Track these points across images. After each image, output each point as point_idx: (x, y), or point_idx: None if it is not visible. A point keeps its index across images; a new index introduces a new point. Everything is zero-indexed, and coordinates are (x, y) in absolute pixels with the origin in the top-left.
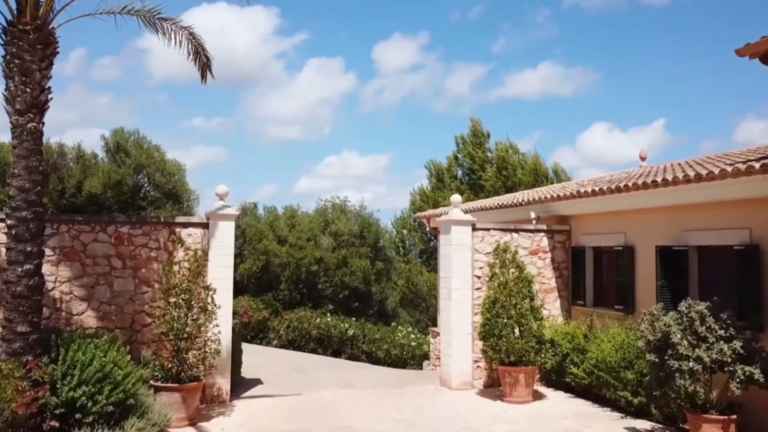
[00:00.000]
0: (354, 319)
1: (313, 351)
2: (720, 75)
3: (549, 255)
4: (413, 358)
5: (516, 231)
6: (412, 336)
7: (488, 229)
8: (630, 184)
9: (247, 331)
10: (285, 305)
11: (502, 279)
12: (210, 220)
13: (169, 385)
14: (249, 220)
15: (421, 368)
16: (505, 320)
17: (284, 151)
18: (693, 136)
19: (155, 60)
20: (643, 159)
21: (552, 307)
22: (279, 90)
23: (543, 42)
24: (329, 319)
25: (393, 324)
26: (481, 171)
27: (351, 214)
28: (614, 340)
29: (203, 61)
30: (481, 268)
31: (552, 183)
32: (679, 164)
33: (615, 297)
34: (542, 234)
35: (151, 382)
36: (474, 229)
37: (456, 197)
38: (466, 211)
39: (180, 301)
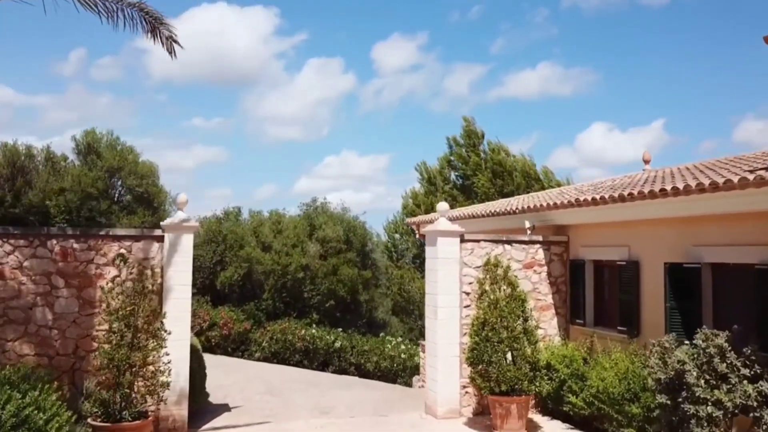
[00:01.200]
0: (341, 330)
1: (299, 363)
2: (719, 75)
3: (545, 269)
4: (404, 370)
5: (509, 242)
6: (402, 347)
7: (478, 241)
8: (635, 193)
9: (227, 344)
10: (269, 315)
11: (492, 298)
12: (166, 233)
13: (108, 425)
14: (231, 225)
15: (411, 384)
16: (496, 344)
17: (284, 151)
18: (692, 136)
19: (155, 60)
20: (646, 162)
21: (548, 325)
22: (278, 90)
23: (542, 42)
24: (314, 330)
25: (382, 335)
26: (474, 175)
27: (336, 217)
28: (617, 368)
29: (166, 35)
30: (470, 283)
31: (543, 186)
32: (687, 168)
33: (618, 317)
34: (537, 246)
35: (90, 420)
36: (462, 240)
37: (443, 205)
38: (455, 219)
39: (122, 327)
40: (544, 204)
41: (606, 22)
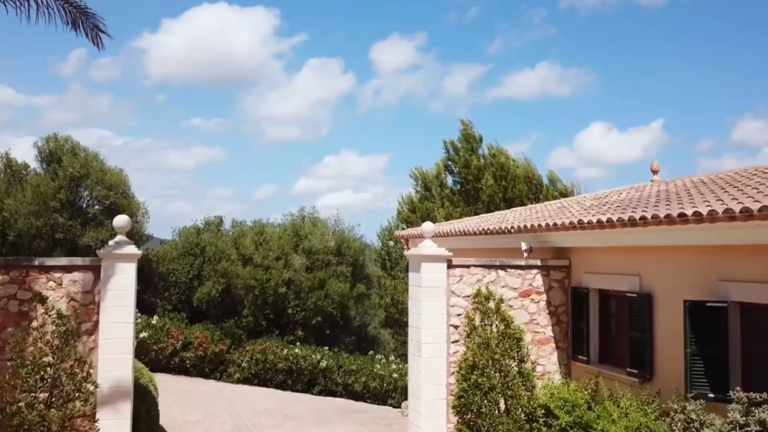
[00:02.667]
0: (327, 348)
1: (282, 384)
2: (717, 75)
3: (544, 297)
4: (395, 390)
5: (502, 268)
6: (393, 366)
7: (468, 266)
8: (648, 217)
9: (204, 365)
10: (250, 333)
11: (483, 335)
12: (103, 262)
13: None
14: (210, 237)
15: (401, 406)
16: (487, 391)
17: (283, 151)
18: (690, 136)
19: (154, 60)
20: (655, 172)
21: (547, 361)
22: (278, 90)
23: (540, 42)
24: (298, 350)
25: (371, 353)
26: (475, 180)
27: (326, 228)
28: (628, 421)
29: (91, 25)
30: (459, 315)
31: (547, 191)
32: (704, 182)
33: (627, 356)
34: (535, 271)
35: None
36: (450, 266)
37: (428, 226)
38: (444, 235)
39: (37, 381)
40: (543, 224)
41: (604, 22)
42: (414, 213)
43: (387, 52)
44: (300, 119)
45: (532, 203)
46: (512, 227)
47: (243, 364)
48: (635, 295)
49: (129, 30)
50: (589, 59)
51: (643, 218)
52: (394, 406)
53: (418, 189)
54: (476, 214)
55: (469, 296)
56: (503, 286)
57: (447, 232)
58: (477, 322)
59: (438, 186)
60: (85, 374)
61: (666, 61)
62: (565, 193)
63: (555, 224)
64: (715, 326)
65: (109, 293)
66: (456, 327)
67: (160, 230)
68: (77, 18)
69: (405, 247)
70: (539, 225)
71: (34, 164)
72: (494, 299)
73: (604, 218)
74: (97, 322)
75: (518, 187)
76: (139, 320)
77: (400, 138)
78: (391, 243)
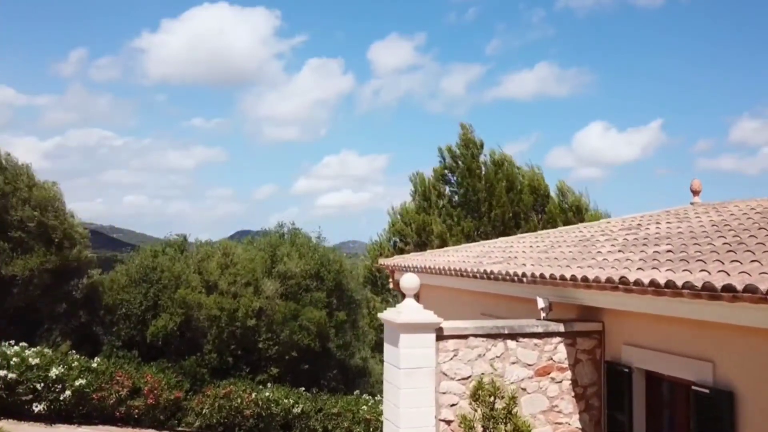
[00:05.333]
0: (304, 389)
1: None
2: (715, 75)
3: (568, 374)
4: None
5: (512, 337)
6: (382, 407)
7: (465, 337)
8: (739, 289)
9: (156, 413)
10: (213, 372)
11: None
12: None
13: None
14: (166, 260)
15: None
16: None
17: (283, 151)
18: (688, 136)
19: (153, 60)
20: (695, 193)
21: None
22: (277, 90)
23: (538, 43)
24: (269, 393)
25: (356, 392)
26: (475, 191)
27: (304, 247)
28: None
29: None
30: (452, 405)
31: (557, 204)
32: None
33: None
34: (557, 340)
35: None
36: (440, 337)
37: (409, 280)
38: (432, 272)
39: None
40: (568, 277)
41: (602, 22)
42: (409, 226)
43: (386, 52)
44: (300, 119)
45: (539, 216)
46: (524, 275)
47: (204, 411)
48: (707, 390)
49: (128, 30)
50: (588, 59)
51: (728, 288)
52: None
53: (417, 198)
54: (478, 230)
55: (466, 379)
56: (513, 362)
57: (435, 268)
58: (477, 424)
59: (436, 196)
60: None
61: (665, 62)
62: (577, 208)
63: (586, 279)
64: None
65: None
66: (449, 423)
67: (160, 230)
68: None
69: (390, 279)
70: (561, 277)
71: None
72: (503, 395)
73: (660, 278)
74: None
75: (523, 199)
76: (76, 363)
77: (399, 138)
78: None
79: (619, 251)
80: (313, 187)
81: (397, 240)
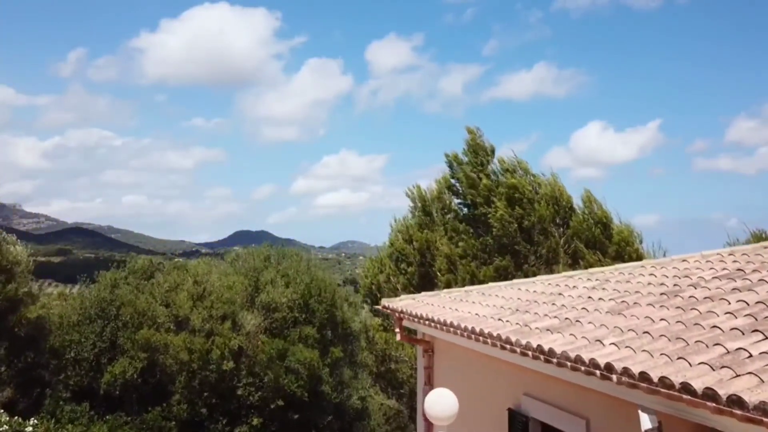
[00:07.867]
0: None
1: None
2: (712, 75)
3: None
4: None
5: None
6: None
7: None
8: None
9: None
10: (183, 426)
11: None
12: None
13: None
14: (127, 292)
15: None
16: None
17: (282, 151)
18: (686, 136)
19: (153, 60)
20: None
21: None
22: (277, 91)
23: (536, 43)
24: None
25: None
26: (485, 204)
27: (294, 272)
28: None
29: None
30: None
31: (581, 216)
32: None
33: None
34: None
35: None
36: None
37: (440, 406)
38: (455, 333)
39: None
40: (697, 390)
41: (598, 23)
42: (410, 244)
43: (384, 52)
44: (298, 119)
45: (561, 231)
46: (610, 369)
47: None
48: None
49: (128, 30)
50: (586, 60)
51: None
52: None
53: (417, 213)
54: (485, 248)
55: None
56: None
57: (465, 328)
58: None
59: (440, 209)
60: None
61: (663, 62)
62: (606, 220)
63: (740, 402)
64: None
65: None
66: None
67: (159, 231)
68: None
69: (397, 327)
70: (686, 388)
71: None
72: None
73: None
74: None
75: (540, 212)
76: (5, 426)
77: (398, 138)
78: (382, 277)
79: (751, 328)
80: (311, 187)
81: (399, 255)
